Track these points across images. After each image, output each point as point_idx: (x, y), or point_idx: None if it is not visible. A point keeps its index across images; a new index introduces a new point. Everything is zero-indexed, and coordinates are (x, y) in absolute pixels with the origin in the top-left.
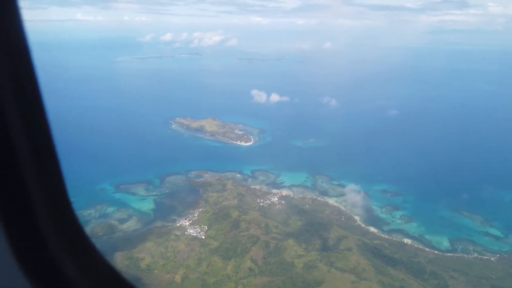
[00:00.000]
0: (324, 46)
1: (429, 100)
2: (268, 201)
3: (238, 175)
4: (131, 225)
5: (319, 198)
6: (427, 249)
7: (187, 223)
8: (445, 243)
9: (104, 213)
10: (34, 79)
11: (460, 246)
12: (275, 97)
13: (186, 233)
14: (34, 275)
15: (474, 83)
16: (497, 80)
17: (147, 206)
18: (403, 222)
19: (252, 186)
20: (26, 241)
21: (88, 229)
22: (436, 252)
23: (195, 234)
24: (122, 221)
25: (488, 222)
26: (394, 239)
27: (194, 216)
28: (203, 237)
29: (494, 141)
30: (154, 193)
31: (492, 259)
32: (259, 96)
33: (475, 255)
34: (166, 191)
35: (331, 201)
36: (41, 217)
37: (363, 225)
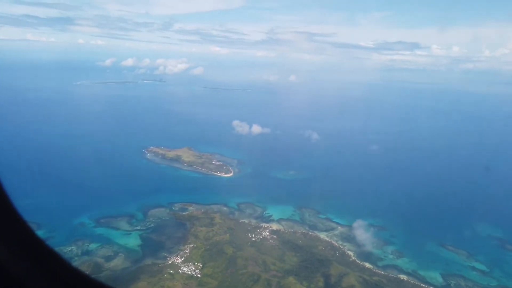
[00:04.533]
0: (288, 78)
1: (399, 134)
2: (259, 236)
3: (224, 208)
4: (119, 263)
5: (309, 233)
6: (423, 285)
7: (180, 260)
8: (439, 279)
9: (87, 250)
10: None
11: (453, 282)
12: (248, 128)
13: (180, 271)
14: None
15: (434, 120)
16: (449, 116)
17: (133, 242)
18: (395, 257)
19: (241, 220)
20: None
21: None
22: None
23: (190, 273)
24: (108, 258)
25: (472, 256)
26: (390, 275)
27: (186, 253)
28: (199, 275)
29: (463, 175)
30: (138, 228)
31: None
32: (235, 126)
33: None
34: (151, 225)
35: (322, 235)
36: None
37: (358, 261)
